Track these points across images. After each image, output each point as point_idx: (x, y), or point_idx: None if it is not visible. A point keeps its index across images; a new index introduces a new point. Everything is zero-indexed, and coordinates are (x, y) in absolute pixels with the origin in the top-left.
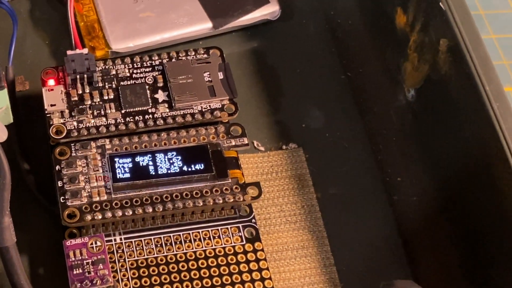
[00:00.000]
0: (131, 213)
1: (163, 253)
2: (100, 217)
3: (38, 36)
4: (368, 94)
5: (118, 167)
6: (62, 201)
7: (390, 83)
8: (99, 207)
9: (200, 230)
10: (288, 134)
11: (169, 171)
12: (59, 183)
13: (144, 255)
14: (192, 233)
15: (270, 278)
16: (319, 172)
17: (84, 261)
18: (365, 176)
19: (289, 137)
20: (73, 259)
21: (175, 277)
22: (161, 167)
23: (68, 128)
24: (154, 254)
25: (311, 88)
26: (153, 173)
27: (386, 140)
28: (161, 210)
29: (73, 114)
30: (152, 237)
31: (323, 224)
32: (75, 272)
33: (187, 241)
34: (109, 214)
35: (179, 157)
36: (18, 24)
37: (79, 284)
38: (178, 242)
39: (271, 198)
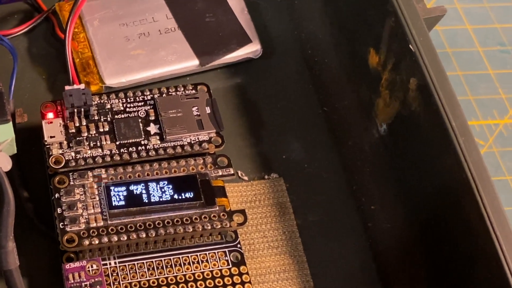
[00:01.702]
0: (126, 238)
1: (155, 276)
2: (97, 242)
3: (36, 72)
4: (344, 128)
5: (114, 195)
6: (61, 226)
7: (364, 118)
8: (96, 233)
9: (189, 255)
10: (270, 164)
11: (161, 199)
12: (59, 210)
13: (137, 278)
14: (182, 257)
15: None
16: (299, 200)
17: (83, 283)
18: (341, 204)
19: (271, 167)
20: (72, 281)
21: None
22: (153, 195)
23: (66, 158)
24: (146, 277)
25: (290, 122)
26: (146, 201)
27: (361, 170)
28: (153, 235)
29: (71, 145)
30: (144, 261)
31: (303, 249)
32: None
33: (177, 265)
34: (105, 239)
35: (170, 186)
36: (18, 57)
37: None
38: (169, 266)
39: (254, 224)
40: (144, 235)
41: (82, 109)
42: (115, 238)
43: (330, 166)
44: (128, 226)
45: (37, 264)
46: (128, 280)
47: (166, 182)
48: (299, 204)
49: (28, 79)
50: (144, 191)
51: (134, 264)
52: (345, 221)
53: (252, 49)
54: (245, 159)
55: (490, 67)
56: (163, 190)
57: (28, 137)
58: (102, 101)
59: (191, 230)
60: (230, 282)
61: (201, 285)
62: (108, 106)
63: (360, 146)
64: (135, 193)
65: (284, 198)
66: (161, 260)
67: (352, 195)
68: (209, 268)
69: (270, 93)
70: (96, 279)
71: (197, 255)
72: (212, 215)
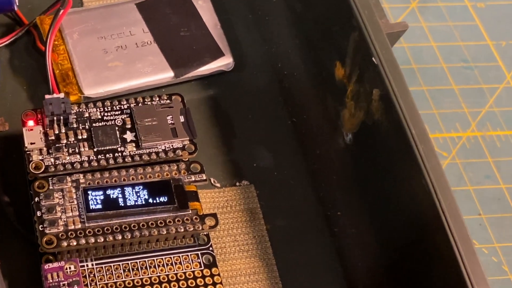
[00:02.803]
0: (102, 240)
1: (131, 277)
2: (75, 243)
3: (17, 82)
4: (311, 138)
5: (91, 199)
6: (40, 229)
7: (330, 127)
8: (74, 235)
9: (163, 257)
10: (241, 172)
11: (136, 203)
12: (38, 213)
13: (113, 279)
14: (157, 259)
15: None
16: (268, 206)
17: (61, 283)
18: (309, 210)
19: (242, 175)
20: (51, 281)
21: None
22: (129, 199)
23: (46, 164)
24: (122, 278)
25: (261, 132)
26: (122, 205)
27: (327, 178)
28: (129, 237)
29: (50, 151)
30: (120, 263)
31: (272, 253)
32: None
33: (152, 267)
34: (83, 241)
35: (145, 191)
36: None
37: None
38: (144, 268)
39: (226, 229)
40: (120, 237)
41: (62, 117)
42: (92, 240)
43: (298, 174)
44: (105, 228)
45: (17, 266)
46: (104, 281)
47: (141, 187)
48: (268, 210)
49: (10, 89)
50: (120, 195)
51: (110, 265)
52: (312, 226)
53: (224, 62)
54: (217, 167)
55: (454, 83)
56: (138, 194)
57: (9, 145)
58: (80, 110)
59: (165, 232)
60: (203, 283)
61: (174, 285)
62: (87, 115)
63: (327, 155)
64: (111, 197)
65: (254, 204)
66: (137, 262)
67: (319, 201)
68: (183, 269)
69: (241, 104)
70: (74, 279)
71: (171, 257)
72: (185, 218)
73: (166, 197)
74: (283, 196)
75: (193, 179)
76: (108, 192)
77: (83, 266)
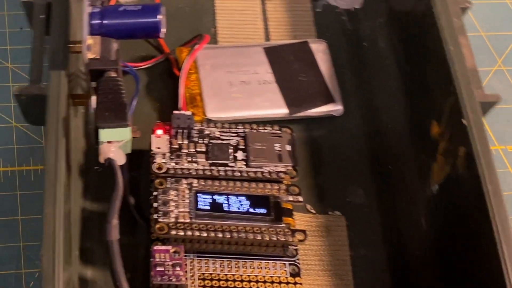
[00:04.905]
0: (205, 235)
1: (225, 272)
2: (182, 233)
3: (152, 99)
4: (402, 184)
5: (201, 200)
6: (155, 217)
7: (420, 177)
8: (182, 226)
9: (255, 261)
10: (335, 203)
11: (238, 210)
12: (155, 204)
13: (209, 271)
14: (249, 261)
15: None
16: (355, 236)
17: (165, 262)
18: (390, 244)
19: (335, 206)
20: (158, 260)
21: None
22: (232, 206)
23: (167, 166)
24: (217, 272)
25: (357, 171)
26: (226, 209)
27: (412, 220)
28: (228, 237)
29: (172, 157)
30: (217, 259)
31: (352, 276)
32: (157, 269)
33: (244, 267)
34: (189, 233)
35: (248, 201)
36: (139, 85)
37: (159, 278)
38: (237, 267)
39: (313, 249)
40: (221, 236)
41: (186, 131)
42: (197, 233)
43: (386, 213)
44: (209, 226)
45: (132, 245)
46: (202, 271)
47: (244, 198)
48: (354, 240)
49: (145, 104)
50: (225, 201)
51: (208, 259)
52: (390, 258)
53: (334, 107)
54: (313, 195)
55: None
56: (241, 203)
57: (138, 149)
58: (202, 127)
59: (260, 238)
60: None
61: (261, 285)
62: (207, 132)
63: (414, 200)
64: (218, 201)
65: (342, 232)
66: (231, 261)
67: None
68: (270, 274)
69: (342, 145)
70: (177, 262)
71: (261, 262)
72: (278, 229)
73: (264, 209)
74: (370, 230)
75: (290, 199)
76: (216, 197)
77: (186, 256)
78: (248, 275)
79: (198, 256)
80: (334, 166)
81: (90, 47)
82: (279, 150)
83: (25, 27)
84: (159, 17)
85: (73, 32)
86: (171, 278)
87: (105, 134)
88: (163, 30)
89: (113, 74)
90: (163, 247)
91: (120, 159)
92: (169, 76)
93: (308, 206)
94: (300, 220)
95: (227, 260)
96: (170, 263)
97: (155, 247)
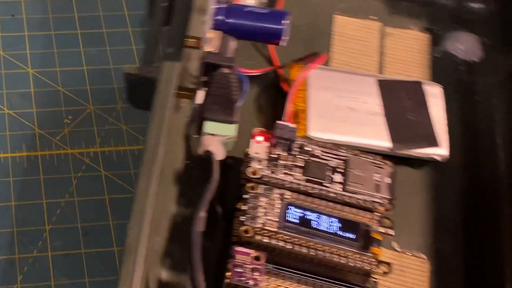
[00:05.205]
0: (290, 247)
1: None
2: (266, 241)
3: (256, 107)
4: (491, 243)
5: (291, 212)
6: (241, 219)
7: None
8: (267, 234)
9: (332, 285)
10: (421, 247)
11: (327, 230)
12: (243, 207)
13: (286, 285)
14: (326, 284)
15: None
16: (436, 283)
17: (245, 265)
18: None
19: (421, 249)
20: (238, 261)
21: None
22: (322, 225)
23: (261, 173)
24: (290, 286)
25: (451, 218)
26: (315, 227)
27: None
28: (312, 254)
29: (268, 165)
30: (294, 275)
31: None
32: (236, 270)
33: None
34: (273, 242)
35: (338, 224)
36: (247, 91)
37: (237, 278)
38: (313, 286)
39: (391, 286)
40: (305, 251)
41: (287, 142)
42: (282, 244)
43: (473, 269)
44: (295, 239)
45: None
46: (278, 283)
47: (336, 220)
48: (435, 285)
49: (246, 112)
50: (315, 219)
51: (286, 273)
52: None
53: (438, 152)
54: (402, 235)
55: None
56: (331, 224)
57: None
58: (304, 143)
59: (344, 262)
60: None
61: None
62: (308, 148)
63: (504, 264)
64: (308, 217)
65: (424, 276)
66: (309, 280)
67: None
68: None
69: (441, 192)
70: (258, 267)
71: (338, 287)
72: (364, 257)
73: (353, 235)
74: (452, 278)
75: (381, 230)
76: (307, 213)
77: (266, 264)
78: None
79: (276, 268)
80: (430, 210)
81: (210, 40)
82: (378, 181)
83: (16, 14)
84: (284, 23)
85: (193, 26)
86: (249, 282)
87: (210, 126)
88: (285, 38)
89: (227, 71)
90: (245, 250)
91: (219, 154)
92: (275, 89)
93: (394, 244)
94: (383, 255)
95: (305, 279)
96: (250, 266)
97: (237, 248)
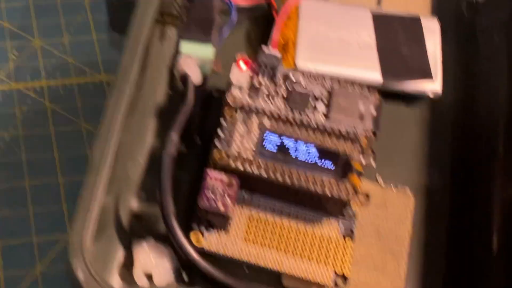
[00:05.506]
0: (265, 176)
1: (273, 217)
2: (241, 168)
3: (243, 38)
4: (481, 181)
5: (268, 140)
6: (217, 145)
7: (507, 180)
8: (242, 161)
9: (308, 212)
10: (407, 182)
11: (305, 159)
12: (219, 132)
13: (258, 211)
14: (301, 213)
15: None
16: (419, 218)
17: (216, 189)
18: None
19: (406, 184)
20: (209, 183)
21: (272, 237)
22: (300, 153)
23: (242, 101)
24: (266, 213)
25: (437, 155)
26: (292, 155)
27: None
28: (288, 182)
29: (249, 93)
30: (269, 201)
31: (406, 256)
32: (206, 193)
33: (295, 217)
34: (249, 169)
35: (316, 152)
36: (235, 16)
37: (207, 202)
38: (287, 214)
39: (371, 219)
40: (280, 179)
41: (271, 70)
42: (257, 172)
43: (459, 204)
44: (270, 167)
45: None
46: (250, 210)
47: (314, 148)
48: (418, 221)
49: (234, 43)
50: (294, 147)
51: (260, 202)
52: None
53: (431, 87)
54: (386, 169)
55: None
56: (308, 152)
57: (215, 84)
58: (288, 72)
59: (321, 191)
60: (334, 247)
61: (305, 235)
62: (292, 78)
63: (492, 200)
64: (286, 145)
65: (408, 210)
66: (283, 208)
67: None
68: (321, 229)
69: (432, 129)
70: (229, 192)
71: (314, 215)
72: (341, 186)
73: (332, 164)
74: (437, 215)
75: (362, 161)
76: (285, 140)
77: (239, 191)
78: (296, 224)
79: (249, 195)
80: (416, 146)
81: None
82: (362, 112)
83: None
84: None
85: None
86: (218, 205)
87: (186, 47)
88: None
89: None
90: (217, 174)
91: (196, 78)
92: (267, 20)
93: (379, 178)
94: (366, 187)
95: (279, 206)
96: (221, 191)
97: (209, 171)
